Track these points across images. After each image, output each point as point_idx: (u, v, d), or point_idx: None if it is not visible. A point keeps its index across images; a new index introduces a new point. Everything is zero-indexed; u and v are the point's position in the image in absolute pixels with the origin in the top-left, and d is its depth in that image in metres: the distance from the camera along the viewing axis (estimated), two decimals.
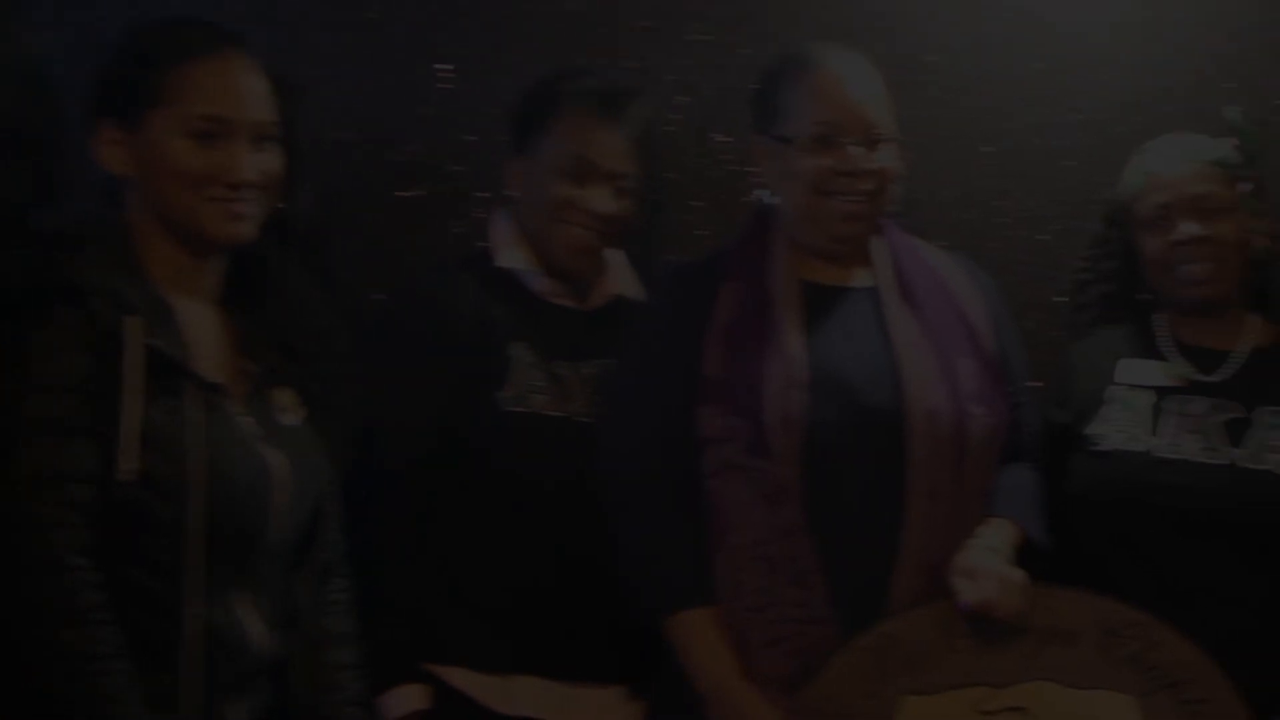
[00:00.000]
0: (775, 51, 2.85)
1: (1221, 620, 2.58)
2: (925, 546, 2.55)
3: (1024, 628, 2.52)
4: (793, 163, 2.65)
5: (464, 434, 2.70)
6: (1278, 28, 3.31)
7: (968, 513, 2.60)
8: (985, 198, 3.31)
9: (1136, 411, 2.78)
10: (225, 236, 2.29)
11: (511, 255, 2.82)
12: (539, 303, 2.82)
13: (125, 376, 2.12)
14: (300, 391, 2.37)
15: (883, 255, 2.72)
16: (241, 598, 2.24)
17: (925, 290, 2.70)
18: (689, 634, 2.55)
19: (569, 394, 2.76)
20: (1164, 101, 3.24)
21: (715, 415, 2.58)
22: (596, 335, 2.81)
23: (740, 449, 2.56)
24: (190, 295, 2.28)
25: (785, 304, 2.64)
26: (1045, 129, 3.32)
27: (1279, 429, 2.70)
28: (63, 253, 2.19)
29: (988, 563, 2.53)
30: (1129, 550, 2.69)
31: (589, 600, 2.69)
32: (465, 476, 2.71)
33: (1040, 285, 3.22)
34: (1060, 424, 2.83)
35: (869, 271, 2.70)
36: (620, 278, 2.90)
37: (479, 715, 2.65)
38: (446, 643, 2.66)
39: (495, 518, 2.70)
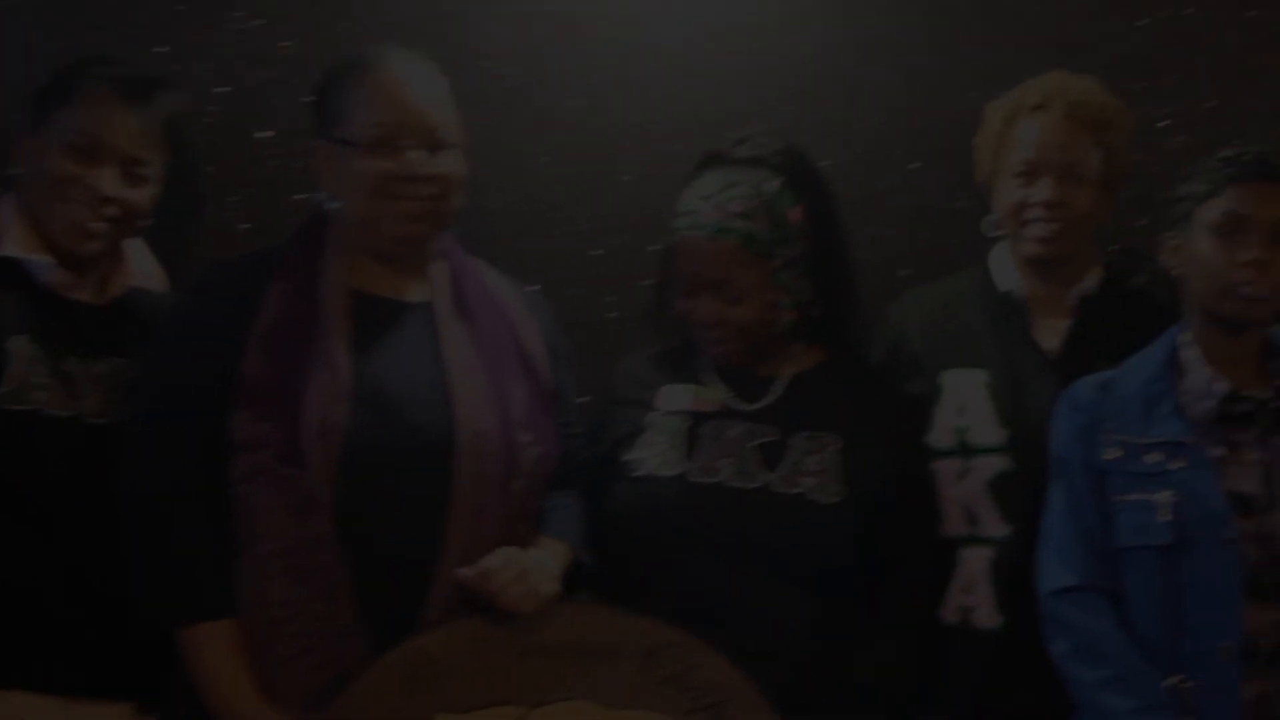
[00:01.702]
0: (320, 46, 2.87)
1: (758, 641, 2.67)
2: (465, 565, 2.58)
3: (563, 646, 2.58)
4: (352, 165, 2.66)
5: None
6: (833, 57, 3.51)
7: (513, 535, 2.66)
8: (539, 209, 3.39)
9: (673, 436, 2.86)
10: None
11: (14, 244, 2.76)
12: (46, 295, 2.75)
13: None
14: None
15: (441, 273, 2.76)
16: None
17: (482, 312, 2.76)
18: (202, 647, 2.54)
19: (77, 392, 2.71)
20: (725, 122, 3.31)
21: (248, 420, 2.57)
22: (111, 331, 2.78)
23: (272, 456, 2.56)
24: None
25: (334, 312, 2.65)
26: (604, 142, 3.42)
27: (813, 453, 2.82)
28: None
29: (505, 550, 2.61)
30: (669, 572, 2.76)
31: (93, 610, 2.64)
32: None
33: (591, 301, 3.31)
34: (603, 448, 2.91)
35: (426, 288, 2.74)
36: (139, 269, 2.87)
37: None
38: None
39: None
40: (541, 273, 3.10)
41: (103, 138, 2.76)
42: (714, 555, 2.75)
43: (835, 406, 2.87)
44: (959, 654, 2.94)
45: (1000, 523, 2.95)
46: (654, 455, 2.85)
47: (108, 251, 2.82)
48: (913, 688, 2.81)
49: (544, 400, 2.77)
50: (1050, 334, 3.06)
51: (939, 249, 3.40)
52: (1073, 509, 2.81)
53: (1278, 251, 2.79)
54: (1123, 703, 2.68)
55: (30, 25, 3.24)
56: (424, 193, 2.67)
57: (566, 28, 3.44)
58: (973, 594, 2.96)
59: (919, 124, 3.47)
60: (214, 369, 2.59)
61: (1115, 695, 2.69)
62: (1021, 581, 2.86)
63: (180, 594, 2.55)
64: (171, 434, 2.60)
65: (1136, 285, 3.17)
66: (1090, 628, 2.74)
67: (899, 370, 3.07)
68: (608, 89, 3.43)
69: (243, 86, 3.31)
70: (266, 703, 2.53)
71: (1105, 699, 2.70)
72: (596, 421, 2.95)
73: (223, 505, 2.57)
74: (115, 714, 2.68)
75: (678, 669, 2.61)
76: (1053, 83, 3.10)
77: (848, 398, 2.89)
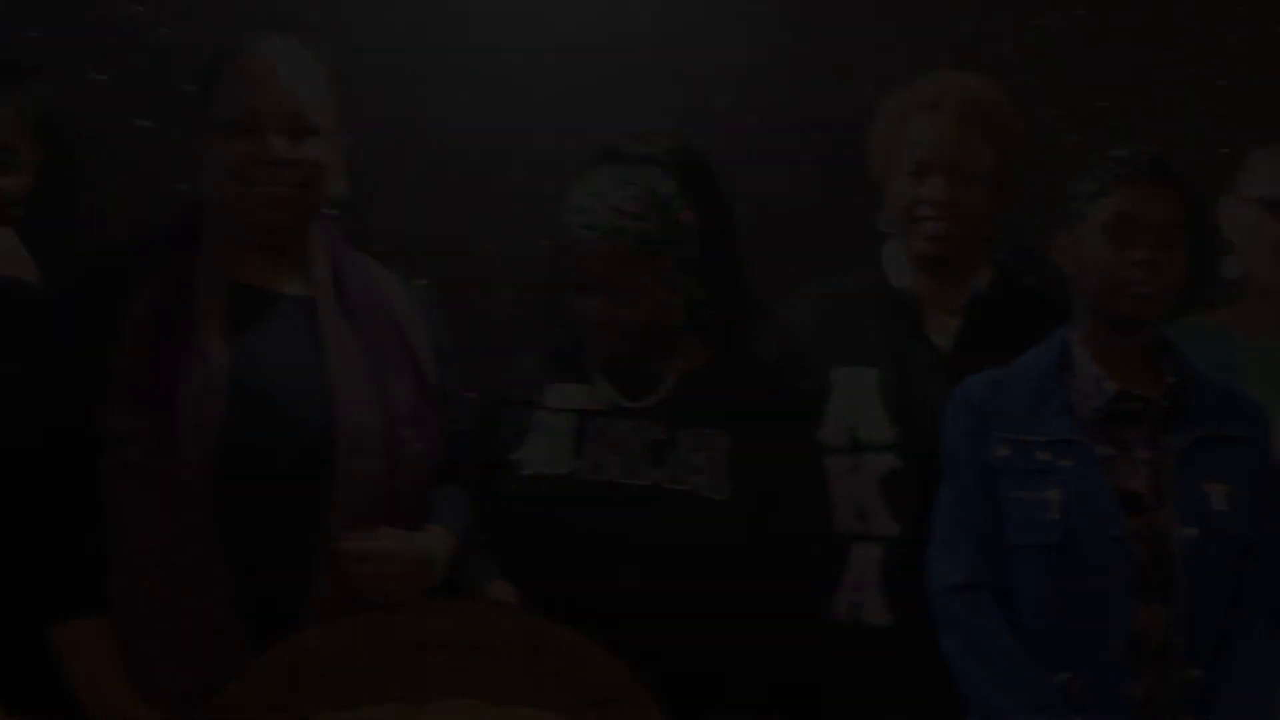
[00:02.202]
0: (201, 33, 2.86)
1: (646, 638, 2.67)
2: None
3: (449, 642, 2.59)
4: (214, 149, 2.67)
5: None
6: (725, 53, 3.55)
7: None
8: (426, 203, 3.39)
9: (560, 435, 2.87)
10: None
11: None
12: None
13: None
14: None
15: (323, 266, 2.76)
16: None
17: (365, 306, 2.76)
18: (73, 645, 2.53)
19: None
20: (614, 118, 3.36)
21: (122, 412, 2.57)
22: None
23: (146, 450, 2.55)
24: None
25: (210, 304, 2.64)
26: (493, 136, 3.43)
27: (700, 450, 2.83)
28: None
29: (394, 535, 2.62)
30: (558, 569, 2.77)
31: None
32: None
33: (479, 297, 3.31)
34: (492, 446, 2.91)
35: (307, 280, 2.74)
36: (9, 259, 2.84)
37: None
38: None
39: None
40: (429, 268, 3.10)
41: None
42: (603, 552, 2.77)
43: (723, 404, 2.88)
44: (849, 651, 2.96)
45: (890, 520, 3.00)
46: (542, 453, 2.86)
47: None
48: (803, 685, 2.81)
49: (428, 396, 2.78)
50: (942, 332, 3.10)
51: (830, 246, 3.44)
52: (962, 506, 2.85)
53: (1167, 252, 2.84)
54: (1010, 700, 2.72)
55: None
56: (285, 179, 2.67)
57: (456, 18, 3.44)
58: (863, 591, 3.00)
59: (811, 120, 3.50)
60: (87, 361, 2.58)
61: (1003, 693, 2.73)
62: (911, 579, 2.89)
63: (51, 591, 2.55)
64: (38, 426, 2.59)
65: (1028, 284, 3.22)
66: (979, 625, 2.78)
67: (790, 368, 3.08)
68: (497, 81, 3.43)
69: (121, 74, 3.29)
70: (141, 701, 2.53)
71: (993, 696, 2.74)
72: (484, 419, 2.95)
73: (95, 500, 2.56)
74: None
75: (565, 665, 2.62)
76: (946, 81, 3.13)
77: (736, 395, 2.90)
